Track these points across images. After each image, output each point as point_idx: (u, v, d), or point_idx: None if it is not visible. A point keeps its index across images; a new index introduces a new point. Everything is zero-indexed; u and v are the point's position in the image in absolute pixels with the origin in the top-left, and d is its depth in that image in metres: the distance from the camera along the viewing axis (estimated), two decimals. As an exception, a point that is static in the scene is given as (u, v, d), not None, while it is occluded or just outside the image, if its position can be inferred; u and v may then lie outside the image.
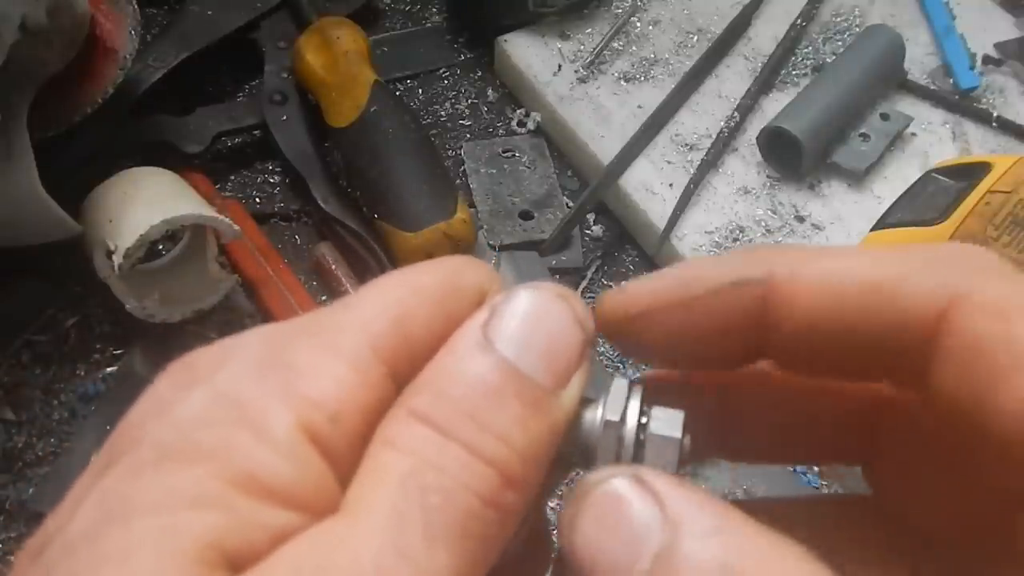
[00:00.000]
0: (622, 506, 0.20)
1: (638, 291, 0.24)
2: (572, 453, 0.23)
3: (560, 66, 0.75)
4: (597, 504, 0.20)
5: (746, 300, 0.23)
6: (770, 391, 0.26)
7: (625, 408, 0.22)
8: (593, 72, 0.76)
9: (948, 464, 0.24)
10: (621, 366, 0.64)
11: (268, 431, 0.19)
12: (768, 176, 0.70)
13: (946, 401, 0.21)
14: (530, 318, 0.21)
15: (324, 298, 0.66)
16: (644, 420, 0.22)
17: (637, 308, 0.24)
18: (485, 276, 0.23)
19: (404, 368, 0.21)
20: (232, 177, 0.72)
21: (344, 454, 0.19)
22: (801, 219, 0.68)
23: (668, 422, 0.22)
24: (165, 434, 0.19)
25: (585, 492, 0.20)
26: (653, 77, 0.76)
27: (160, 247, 0.65)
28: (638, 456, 0.22)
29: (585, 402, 0.23)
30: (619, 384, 0.23)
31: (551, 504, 0.45)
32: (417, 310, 0.21)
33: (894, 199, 0.64)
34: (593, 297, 0.68)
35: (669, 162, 0.71)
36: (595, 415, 0.23)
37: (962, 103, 0.75)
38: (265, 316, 0.64)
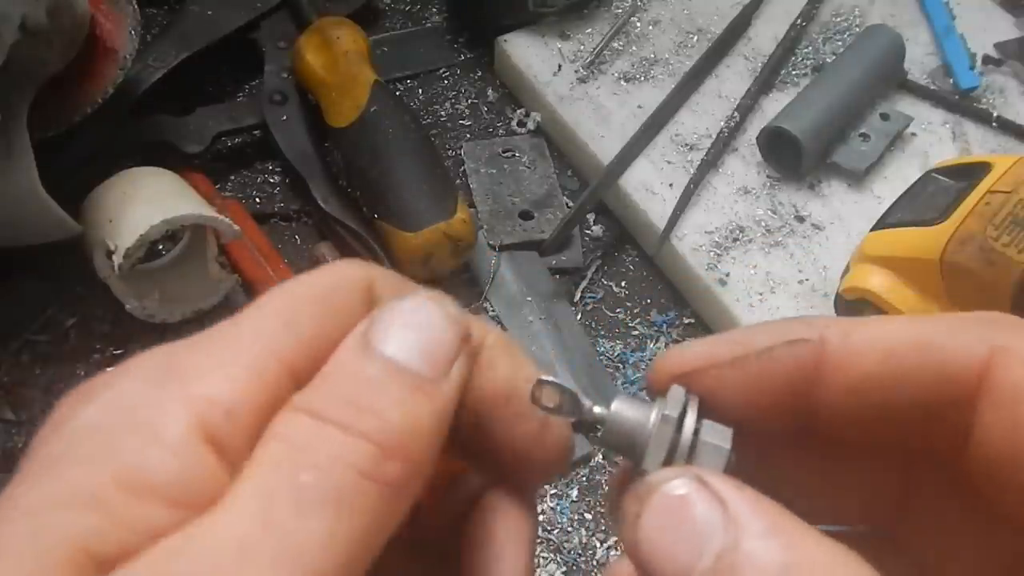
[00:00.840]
0: (686, 506, 0.20)
1: (693, 350, 0.25)
2: (621, 446, 0.24)
3: (560, 66, 0.76)
4: (661, 503, 0.21)
5: (798, 360, 0.24)
6: (809, 454, 0.27)
7: (683, 412, 0.23)
8: (593, 72, 0.76)
9: (982, 514, 0.24)
10: (621, 366, 0.64)
11: (158, 431, 0.20)
12: (768, 176, 0.70)
13: (988, 452, 0.22)
14: (406, 319, 0.23)
15: (324, 298, 0.66)
16: (698, 427, 0.23)
17: (692, 366, 0.25)
18: (366, 272, 0.24)
19: (302, 367, 0.22)
20: (232, 177, 0.72)
21: (241, 449, 0.20)
22: (801, 219, 0.68)
23: (720, 434, 0.23)
24: (55, 445, 0.20)
25: (649, 491, 0.21)
26: (653, 77, 0.76)
27: (160, 247, 0.65)
28: (690, 459, 0.23)
29: (634, 403, 0.24)
30: (676, 391, 0.24)
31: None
32: (304, 312, 0.23)
33: (894, 199, 0.64)
34: (593, 297, 0.68)
35: (669, 162, 0.71)
36: (649, 414, 0.23)
37: (962, 103, 0.75)
38: (265, 316, 0.64)
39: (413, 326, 0.22)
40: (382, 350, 0.22)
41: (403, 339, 0.22)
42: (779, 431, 0.25)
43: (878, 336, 0.23)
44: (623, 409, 0.24)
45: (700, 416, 0.24)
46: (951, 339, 0.23)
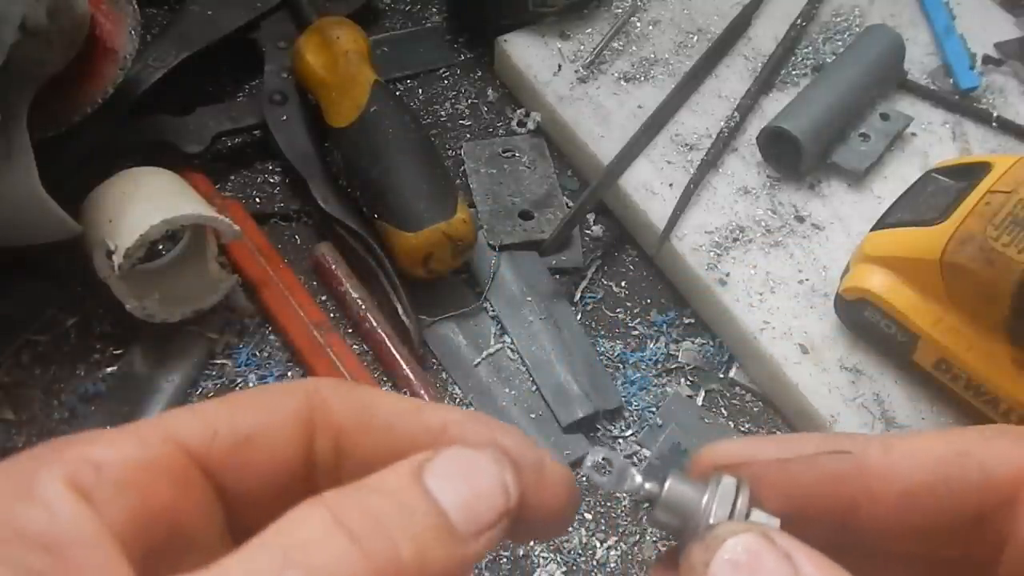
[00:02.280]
0: (757, 558, 0.21)
1: (740, 444, 0.26)
2: (671, 523, 0.24)
3: (560, 66, 0.76)
4: (731, 553, 0.21)
5: (841, 470, 0.25)
6: (844, 560, 0.27)
7: (736, 494, 0.24)
8: (593, 72, 0.76)
9: None
10: (621, 366, 0.64)
11: (31, 489, 0.21)
12: (768, 176, 0.70)
13: None
14: (467, 470, 0.23)
15: (324, 298, 0.66)
16: (749, 509, 0.24)
17: (737, 459, 0.25)
18: (315, 384, 0.25)
19: (198, 445, 0.23)
20: (232, 177, 0.72)
21: (109, 497, 0.21)
22: (801, 219, 0.68)
23: (769, 518, 0.24)
24: None
25: (718, 541, 0.22)
26: (653, 77, 0.76)
27: (160, 247, 0.65)
28: None
29: (687, 481, 0.24)
30: (728, 478, 0.24)
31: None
32: (220, 406, 0.24)
33: (894, 199, 0.64)
34: (593, 297, 0.68)
35: (669, 162, 0.71)
36: (703, 492, 0.24)
37: (962, 103, 0.75)
38: (265, 316, 0.64)
39: (470, 478, 0.23)
40: (429, 484, 0.22)
41: (455, 485, 0.22)
42: (818, 540, 0.26)
43: (919, 447, 0.24)
44: (677, 486, 0.25)
45: (750, 504, 0.24)
46: (987, 449, 0.24)
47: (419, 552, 0.21)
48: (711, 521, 0.23)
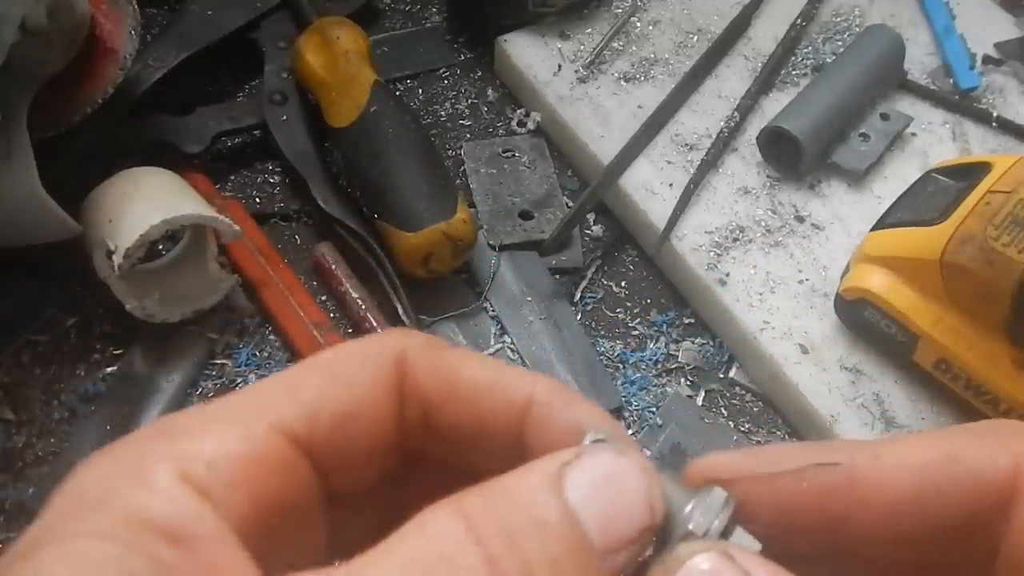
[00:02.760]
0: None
1: (729, 458, 0.25)
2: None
3: (560, 66, 0.75)
4: (688, 572, 0.21)
5: (829, 482, 0.24)
6: (837, 570, 0.27)
7: (720, 510, 0.24)
8: (593, 72, 0.76)
9: None
10: (621, 366, 0.64)
11: (149, 480, 0.21)
12: (768, 176, 0.70)
13: (1021, 559, 0.23)
14: (610, 478, 0.22)
15: (324, 298, 0.66)
16: (730, 527, 0.23)
17: (726, 474, 0.25)
18: (400, 342, 0.24)
19: (303, 430, 0.23)
20: (232, 177, 0.72)
21: (225, 494, 0.21)
22: (801, 219, 0.68)
23: (749, 539, 0.23)
24: (66, 497, 0.22)
25: (677, 562, 0.21)
26: (653, 77, 0.76)
27: (160, 247, 0.65)
28: None
29: (678, 484, 0.24)
30: (718, 491, 0.24)
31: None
32: (310, 381, 0.24)
33: (894, 199, 0.64)
34: (593, 297, 0.68)
35: (669, 162, 0.71)
36: (689, 501, 0.23)
37: (962, 103, 0.75)
38: (265, 316, 0.64)
39: (613, 489, 0.22)
40: (570, 495, 0.21)
41: (595, 497, 0.21)
42: (808, 549, 0.26)
43: (907, 454, 0.24)
44: (667, 485, 0.24)
45: (734, 521, 0.24)
46: (977, 451, 0.24)
47: (553, 572, 0.20)
48: (689, 527, 0.23)
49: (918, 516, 0.24)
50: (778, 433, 0.63)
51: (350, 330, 0.64)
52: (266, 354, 0.63)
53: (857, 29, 0.79)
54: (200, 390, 0.62)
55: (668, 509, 0.23)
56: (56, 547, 0.20)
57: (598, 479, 0.21)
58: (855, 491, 0.24)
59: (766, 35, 0.79)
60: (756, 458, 0.25)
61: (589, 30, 0.78)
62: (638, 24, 0.79)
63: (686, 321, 0.67)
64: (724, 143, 0.71)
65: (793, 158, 0.69)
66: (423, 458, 0.27)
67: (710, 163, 0.70)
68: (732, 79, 0.76)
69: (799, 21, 0.78)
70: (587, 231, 0.71)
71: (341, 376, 0.24)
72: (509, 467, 0.24)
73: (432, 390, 0.25)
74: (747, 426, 0.63)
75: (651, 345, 0.65)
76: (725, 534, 0.23)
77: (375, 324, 0.63)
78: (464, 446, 0.26)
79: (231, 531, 0.21)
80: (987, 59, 0.77)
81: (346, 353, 0.25)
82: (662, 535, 0.23)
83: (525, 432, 0.25)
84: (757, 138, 0.71)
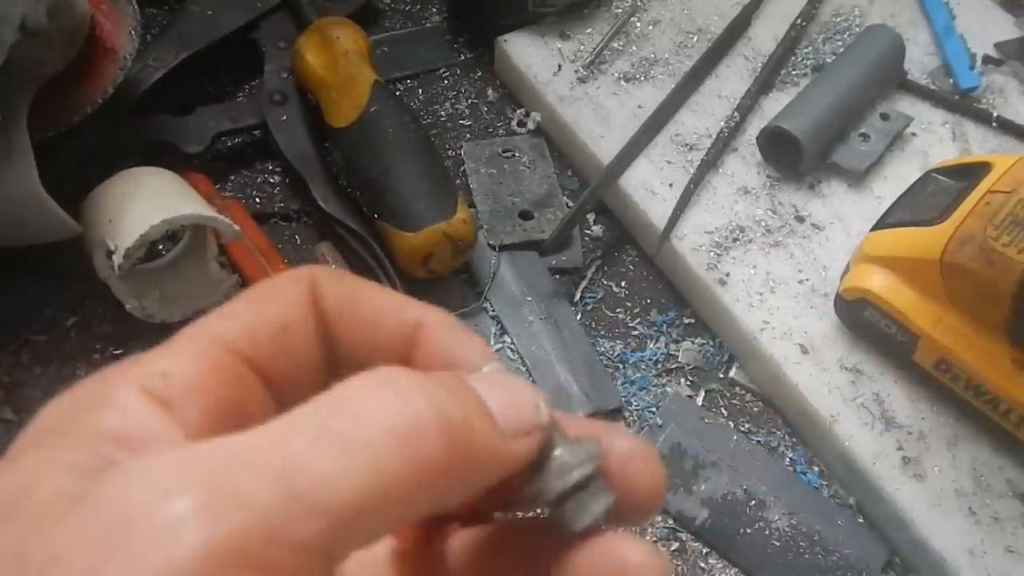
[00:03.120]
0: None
1: None
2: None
3: (560, 66, 0.76)
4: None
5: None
6: None
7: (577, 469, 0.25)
8: (593, 72, 0.76)
9: None
10: (621, 366, 0.64)
11: (108, 399, 0.22)
12: (768, 176, 0.70)
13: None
14: (503, 383, 0.24)
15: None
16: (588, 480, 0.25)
17: None
18: (308, 272, 0.26)
19: (243, 344, 0.24)
20: (232, 177, 0.72)
21: (182, 402, 0.22)
22: (801, 219, 0.68)
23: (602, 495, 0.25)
24: (27, 431, 0.22)
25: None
26: (653, 77, 0.76)
27: (160, 247, 0.65)
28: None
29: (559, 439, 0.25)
30: (591, 445, 0.26)
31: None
32: (240, 305, 0.25)
33: (894, 199, 0.64)
34: (593, 297, 0.68)
35: (669, 162, 0.71)
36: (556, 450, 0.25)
37: (962, 103, 0.75)
38: (265, 316, 0.64)
39: (506, 389, 0.24)
40: (473, 383, 0.23)
41: (495, 391, 0.23)
42: None
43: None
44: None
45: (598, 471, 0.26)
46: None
47: (466, 419, 0.21)
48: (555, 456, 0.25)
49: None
50: (778, 433, 0.63)
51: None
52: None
53: (857, 29, 0.79)
54: (200, 390, 0.62)
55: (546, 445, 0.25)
56: (6, 464, 0.21)
57: (494, 381, 0.24)
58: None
59: (766, 35, 0.79)
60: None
61: (589, 30, 0.78)
62: (638, 24, 0.79)
63: (686, 321, 0.67)
64: (724, 143, 0.71)
65: (793, 158, 0.69)
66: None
67: (710, 163, 0.70)
68: (732, 79, 0.76)
69: (799, 21, 0.78)
70: (587, 231, 0.71)
71: (268, 298, 0.25)
72: None
73: (337, 310, 0.26)
74: (747, 426, 0.63)
75: (651, 345, 0.65)
76: (587, 480, 0.25)
77: (375, 324, 0.63)
78: (361, 367, 0.27)
79: (183, 433, 0.22)
80: (987, 59, 0.77)
81: (265, 283, 0.26)
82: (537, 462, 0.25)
83: (412, 357, 0.27)
84: (757, 138, 0.71)
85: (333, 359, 0.27)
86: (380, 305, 0.27)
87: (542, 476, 0.24)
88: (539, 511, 0.26)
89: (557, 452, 0.25)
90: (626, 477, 0.26)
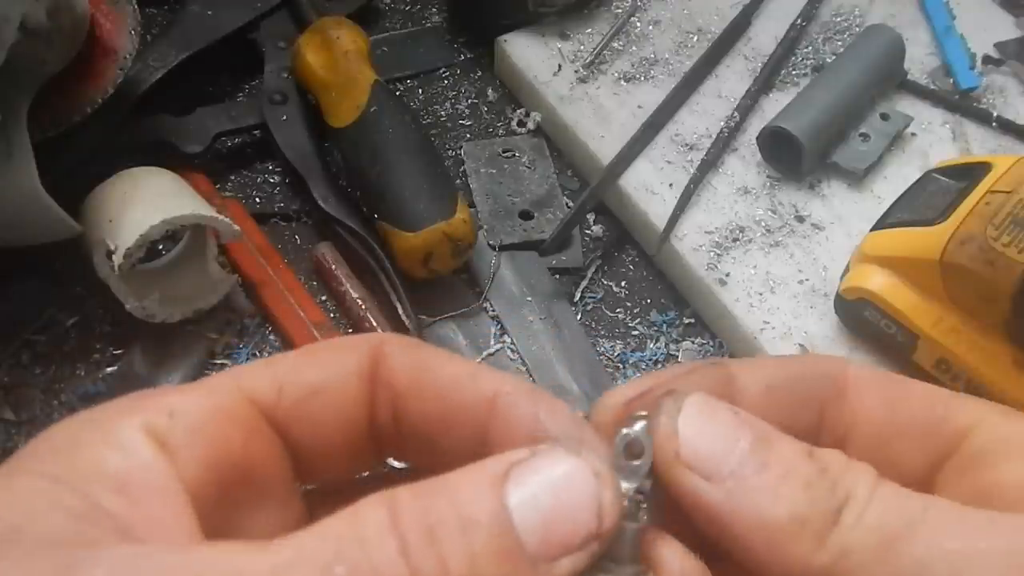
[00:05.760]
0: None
1: (630, 384, 0.28)
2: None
3: (560, 66, 0.75)
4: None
5: (713, 375, 0.27)
6: None
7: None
8: (593, 72, 0.76)
9: None
10: (621, 366, 0.64)
11: (111, 433, 0.22)
12: (768, 176, 0.70)
13: (868, 429, 0.28)
14: (556, 482, 0.21)
15: (324, 298, 0.66)
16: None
17: (637, 392, 0.27)
18: (378, 337, 0.26)
19: (268, 397, 0.24)
20: (232, 177, 0.72)
21: (183, 443, 0.22)
22: (801, 219, 0.68)
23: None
24: (33, 445, 0.23)
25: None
26: (653, 77, 0.76)
27: (160, 247, 0.65)
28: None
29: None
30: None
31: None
32: (290, 357, 0.25)
33: (894, 199, 0.64)
34: (593, 297, 0.68)
35: (669, 162, 0.71)
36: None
37: (962, 103, 0.75)
38: (265, 316, 0.64)
39: (559, 493, 0.21)
40: (508, 495, 0.21)
41: (539, 499, 0.21)
42: None
43: (772, 359, 0.29)
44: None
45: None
46: (819, 358, 0.30)
47: (472, 573, 0.20)
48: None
49: (785, 402, 0.27)
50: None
51: (350, 330, 0.64)
52: (266, 354, 0.63)
53: (857, 29, 0.79)
54: (200, 390, 0.62)
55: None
56: (1, 480, 0.21)
57: (544, 481, 0.21)
58: (735, 383, 0.27)
59: (766, 35, 0.79)
60: (661, 374, 0.27)
61: (589, 30, 0.78)
62: (638, 24, 0.79)
63: (686, 321, 0.67)
64: (724, 143, 0.71)
65: (793, 158, 0.69)
66: (395, 457, 0.27)
67: (710, 163, 0.70)
68: (732, 79, 0.76)
69: (799, 21, 0.78)
70: (587, 231, 0.71)
71: (315, 357, 0.25)
72: None
73: (403, 380, 0.25)
74: (747, 426, 0.63)
75: (651, 345, 0.65)
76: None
77: (375, 324, 0.63)
78: (432, 442, 0.26)
79: (181, 485, 0.22)
80: (987, 59, 0.77)
81: (328, 342, 0.26)
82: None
83: (490, 428, 0.25)
84: (757, 138, 0.71)
85: (391, 434, 0.26)
86: (454, 376, 0.26)
87: None
88: None
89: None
90: None
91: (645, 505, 0.24)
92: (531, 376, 0.63)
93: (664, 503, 0.24)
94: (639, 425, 0.25)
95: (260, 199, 0.71)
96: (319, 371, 0.25)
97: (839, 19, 0.80)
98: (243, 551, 0.20)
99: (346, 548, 0.20)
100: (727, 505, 0.23)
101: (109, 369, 0.62)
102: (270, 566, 0.19)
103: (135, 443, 0.22)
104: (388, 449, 0.27)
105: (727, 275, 0.65)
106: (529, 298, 0.66)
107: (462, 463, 0.25)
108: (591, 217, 0.71)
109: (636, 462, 0.24)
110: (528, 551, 0.20)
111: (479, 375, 0.26)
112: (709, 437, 0.23)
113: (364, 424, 0.25)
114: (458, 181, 0.71)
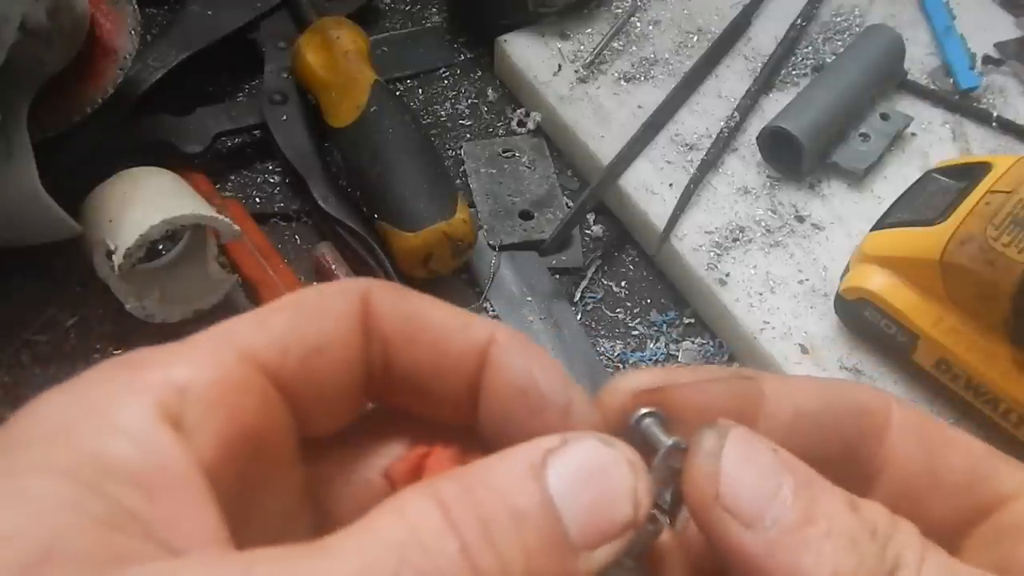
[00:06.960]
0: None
1: (656, 371, 0.27)
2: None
3: (560, 66, 0.75)
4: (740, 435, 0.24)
5: (744, 389, 0.26)
6: None
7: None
8: (593, 72, 0.76)
9: None
10: (621, 366, 0.64)
11: (115, 415, 0.20)
12: (768, 176, 0.70)
13: (901, 474, 0.27)
14: (594, 470, 0.22)
15: (324, 298, 0.66)
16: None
17: (657, 384, 0.26)
18: (363, 284, 0.24)
19: (271, 359, 0.22)
20: (232, 177, 0.72)
21: (198, 422, 0.21)
22: (801, 219, 0.68)
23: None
24: (19, 426, 0.20)
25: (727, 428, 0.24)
26: (653, 77, 0.76)
27: (160, 247, 0.65)
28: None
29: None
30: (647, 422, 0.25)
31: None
32: (278, 314, 0.23)
33: (894, 199, 0.64)
34: (593, 297, 0.68)
35: (669, 162, 0.71)
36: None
37: (962, 103, 0.75)
38: (265, 316, 0.64)
39: (595, 481, 0.21)
40: (549, 484, 0.21)
41: (577, 488, 0.21)
42: None
43: (807, 381, 0.27)
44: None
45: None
46: (860, 387, 0.27)
47: (528, 566, 0.20)
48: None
49: (814, 432, 0.26)
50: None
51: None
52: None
53: (857, 29, 0.79)
54: (200, 390, 0.62)
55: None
56: (6, 482, 0.19)
57: (582, 470, 0.21)
58: (766, 402, 0.26)
59: (766, 35, 0.79)
60: (678, 371, 0.27)
61: (589, 30, 0.78)
62: (638, 24, 0.79)
63: (686, 321, 0.67)
64: (724, 143, 0.71)
65: (793, 158, 0.69)
66: (384, 403, 0.27)
67: (710, 163, 0.70)
68: (732, 79, 0.76)
69: (799, 21, 0.78)
70: (587, 231, 0.71)
71: (309, 311, 0.24)
72: (464, 418, 0.25)
73: (395, 329, 0.25)
74: (747, 426, 0.63)
75: (651, 345, 0.65)
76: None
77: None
78: (422, 389, 0.26)
79: (201, 474, 0.20)
80: (987, 59, 0.77)
81: (312, 291, 0.24)
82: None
83: (482, 378, 0.25)
84: (757, 138, 0.71)
85: (381, 382, 0.25)
86: (443, 323, 0.25)
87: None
88: None
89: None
90: None
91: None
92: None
93: (676, 511, 0.25)
94: (647, 421, 0.25)
95: (260, 199, 0.71)
96: (319, 327, 0.24)
97: (839, 19, 0.80)
98: (293, 558, 0.19)
99: (410, 554, 0.19)
100: (767, 559, 0.22)
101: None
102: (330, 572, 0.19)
103: (145, 427, 0.20)
104: (377, 395, 0.26)
105: (727, 275, 0.65)
106: (529, 298, 0.66)
107: (452, 410, 0.25)
108: (591, 217, 0.71)
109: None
110: (572, 540, 0.21)
111: (471, 324, 0.25)
112: (751, 481, 0.23)
113: (361, 375, 0.25)
114: (458, 181, 0.71)
